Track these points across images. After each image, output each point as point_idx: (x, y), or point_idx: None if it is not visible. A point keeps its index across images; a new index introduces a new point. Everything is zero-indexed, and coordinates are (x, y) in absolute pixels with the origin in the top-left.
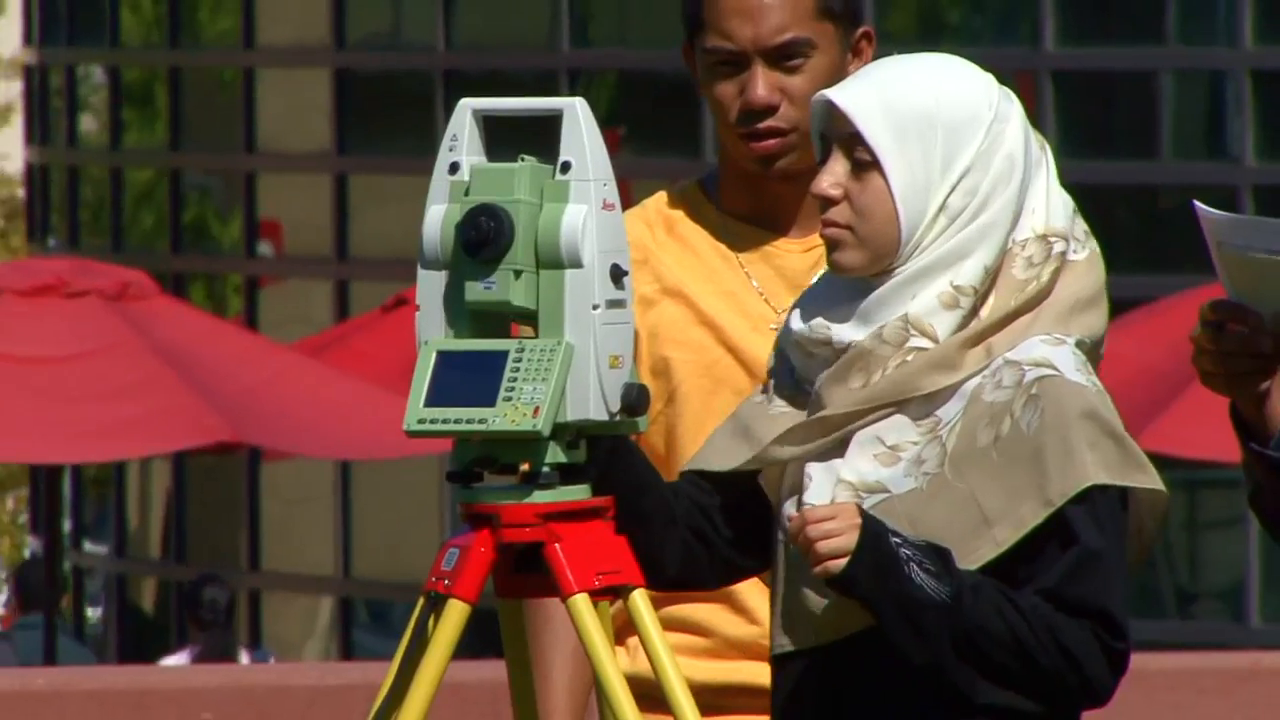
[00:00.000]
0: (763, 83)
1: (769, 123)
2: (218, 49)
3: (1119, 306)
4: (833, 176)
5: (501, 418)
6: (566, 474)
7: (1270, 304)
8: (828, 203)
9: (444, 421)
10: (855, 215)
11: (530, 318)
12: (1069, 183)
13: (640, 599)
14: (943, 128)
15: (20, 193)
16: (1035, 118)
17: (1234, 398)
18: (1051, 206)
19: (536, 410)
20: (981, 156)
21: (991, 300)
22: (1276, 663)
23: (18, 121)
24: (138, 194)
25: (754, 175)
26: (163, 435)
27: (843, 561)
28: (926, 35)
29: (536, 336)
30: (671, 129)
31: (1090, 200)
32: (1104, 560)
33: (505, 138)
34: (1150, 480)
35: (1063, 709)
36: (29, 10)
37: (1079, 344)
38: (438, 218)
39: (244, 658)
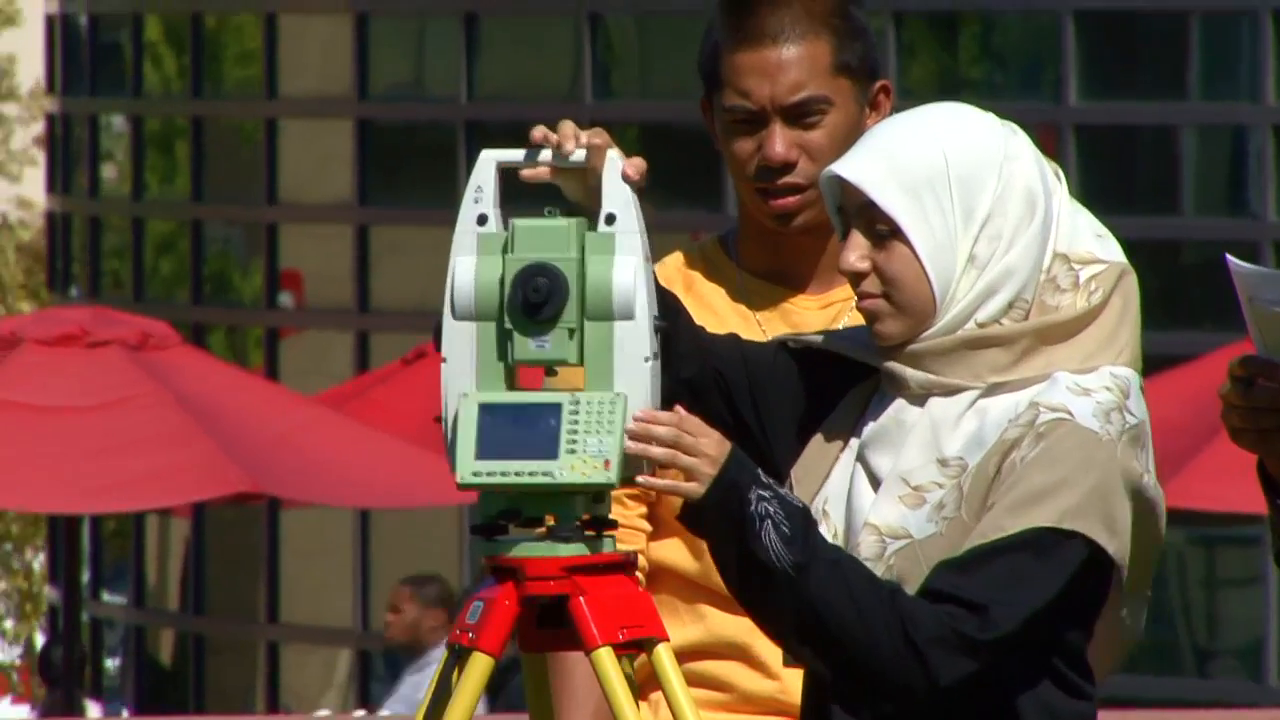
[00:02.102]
0: (780, 140)
1: (787, 179)
2: (240, 99)
3: None
4: (857, 250)
5: (568, 470)
6: (591, 527)
7: None
8: (858, 276)
9: (503, 474)
10: (886, 285)
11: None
12: None
13: (664, 653)
14: (955, 181)
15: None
16: None
17: (1263, 454)
18: (1077, 230)
19: (607, 463)
20: (999, 200)
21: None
22: None
23: (39, 170)
24: (159, 244)
25: (772, 231)
26: (183, 486)
27: (696, 488)
28: (948, 90)
29: (580, 390)
30: (693, 181)
31: None
32: (1012, 567)
33: (508, 190)
34: (1109, 542)
35: (906, 703)
36: (52, 59)
37: (1116, 376)
38: (470, 270)
39: (94, 709)
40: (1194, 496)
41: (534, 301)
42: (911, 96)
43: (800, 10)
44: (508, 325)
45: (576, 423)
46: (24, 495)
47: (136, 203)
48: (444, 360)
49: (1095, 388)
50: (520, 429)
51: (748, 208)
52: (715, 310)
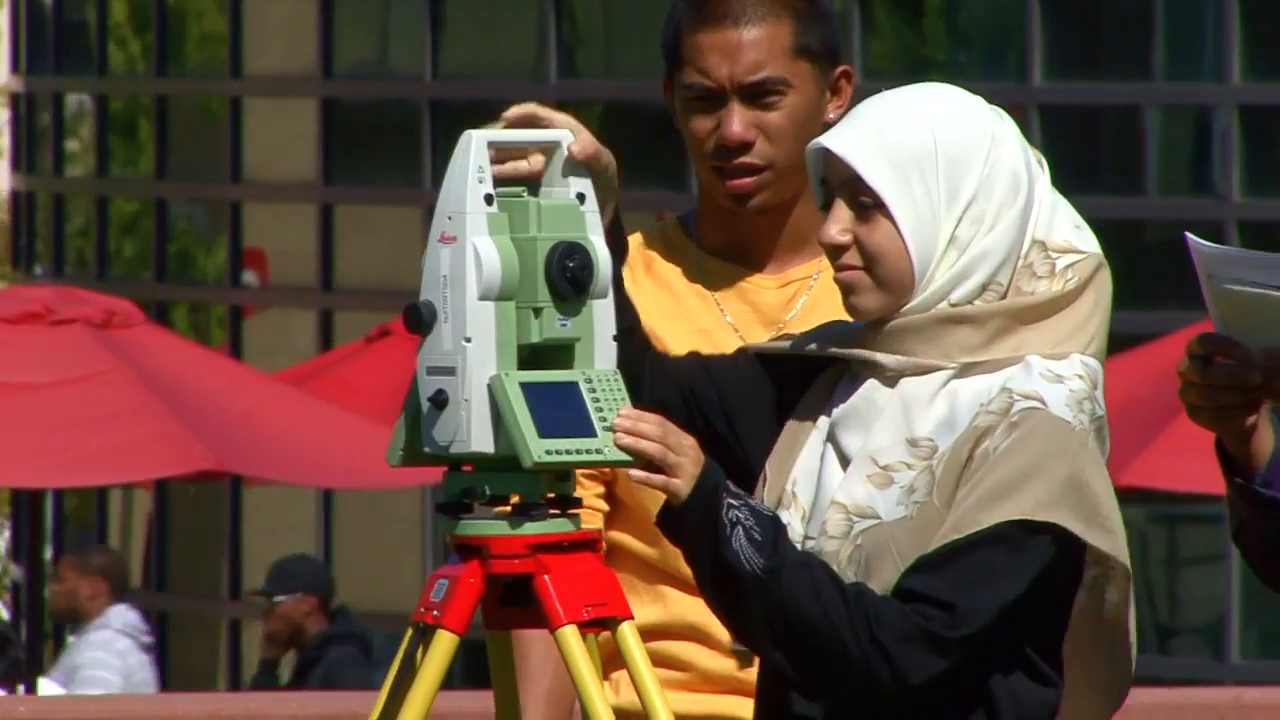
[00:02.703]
0: (738, 120)
1: (744, 159)
2: (204, 78)
3: None
4: (839, 223)
5: (609, 447)
6: (556, 505)
7: (1259, 338)
8: (837, 250)
9: (565, 453)
10: (866, 259)
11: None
12: None
13: (629, 631)
14: (943, 161)
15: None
16: None
17: (1220, 432)
18: (1056, 219)
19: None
20: (984, 183)
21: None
22: (1257, 699)
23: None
24: (123, 222)
25: (730, 211)
26: (146, 463)
27: (684, 486)
28: (913, 71)
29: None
30: (658, 160)
31: None
32: (983, 563)
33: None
34: (1086, 531)
35: (873, 701)
36: (16, 39)
37: (1087, 365)
38: (494, 250)
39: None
40: (1156, 475)
41: (583, 280)
42: (876, 77)
43: None
44: (540, 304)
45: (598, 400)
46: None
47: (100, 181)
48: (468, 341)
49: (1068, 375)
50: (556, 407)
51: (705, 187)
52: (673, 290)
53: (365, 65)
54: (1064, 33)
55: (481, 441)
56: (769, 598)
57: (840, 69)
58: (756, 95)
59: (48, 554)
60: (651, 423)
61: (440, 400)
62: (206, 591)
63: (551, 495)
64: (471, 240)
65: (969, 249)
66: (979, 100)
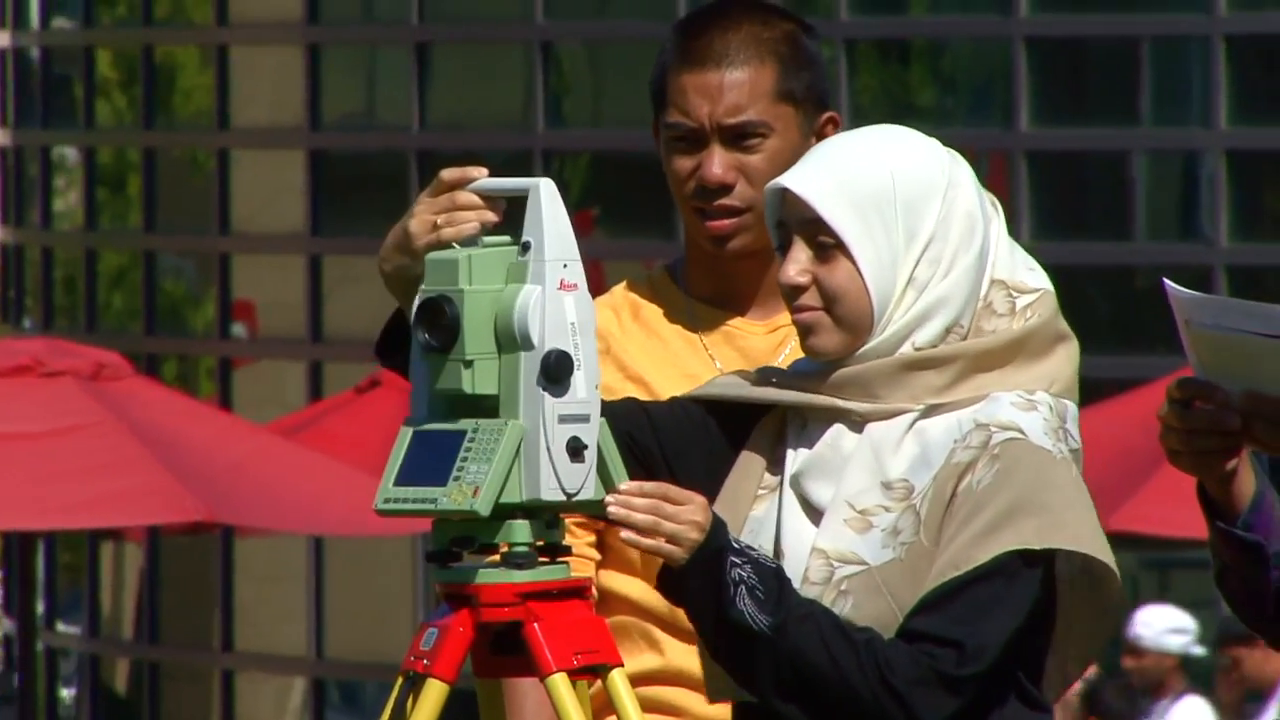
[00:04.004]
0: (719, 161)
1: (723, 201)
2: (192, 130)
3: (1092, 387)
4: (797, 264)
5: (447, 498)
6: (545, 553)
7: (1237, 381)
8: (796, 290)
9: (403, 501)
10: (826, 299)
11: (492, 402)
12: (1043, 264)
13: (619, 678)
14: (901, 203)
15: None
16: (1009, 198)
17: (1201, 476)
18: (1015, 259)
19: (476, 490)
20: (941, 224)
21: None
22: None
23: None
24: (112, 275)
25: (715, 257)
26: (138, 513)
27: (681, 554)
28: (898, 116)
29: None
30: (645, 210)
31: (1064, 281)
32: (984, 597)
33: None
34: (1077, 544)
35: None
36: (4, 92)
37: (1054, 399)
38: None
39: None
40: (1145, 521)
41: (424, 332)
42: (863, 121)
43: (748, 36)
44: (426, 356)
45: (469, 450)
46: None
47: (89, 234)
48: (598, 387)
49: (1040, 402)
50: (432, 456)
51: (689, 231)
52: (661, 336)
53: (353, 116)
54: (1050, 78)
55: (599, 489)
56: (777, 653)
57: (826, 115)
58: (737, 137)
59: (39, 608)
60: (649, 494)
61: (578, 448)
62: (199, 643)
63: (541, 543)
64: (584, 286)
65: (927, 290)
66: (935, 143)
